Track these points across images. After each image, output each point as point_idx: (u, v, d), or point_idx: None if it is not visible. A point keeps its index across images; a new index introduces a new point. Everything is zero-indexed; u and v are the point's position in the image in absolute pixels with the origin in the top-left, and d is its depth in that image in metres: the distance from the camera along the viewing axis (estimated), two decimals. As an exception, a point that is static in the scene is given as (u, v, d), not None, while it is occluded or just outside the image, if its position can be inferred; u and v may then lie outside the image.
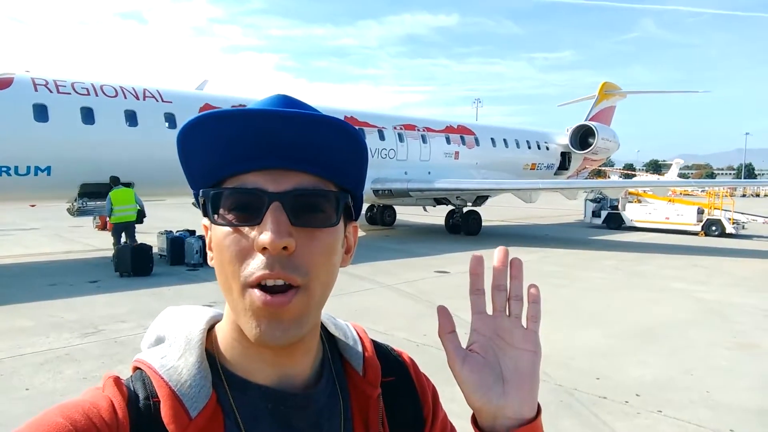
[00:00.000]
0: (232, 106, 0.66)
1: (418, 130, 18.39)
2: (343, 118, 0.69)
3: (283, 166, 0.68)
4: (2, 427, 3.88)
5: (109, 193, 10.74)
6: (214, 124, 0.67)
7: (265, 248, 0.64)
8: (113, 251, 10.54)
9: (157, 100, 12.82)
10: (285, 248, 0.64)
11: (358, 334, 0.87)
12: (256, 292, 0.65)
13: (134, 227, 11.00)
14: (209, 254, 0.73)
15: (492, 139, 20.95)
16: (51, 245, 14.05)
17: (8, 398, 4.52)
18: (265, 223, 0.65)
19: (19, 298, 7.93)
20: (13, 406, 4.34)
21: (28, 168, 10.81)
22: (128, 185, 11.29)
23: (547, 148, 23.69)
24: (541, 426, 0.72)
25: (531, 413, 0.71)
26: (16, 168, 10.67)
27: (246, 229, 0.66)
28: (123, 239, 10.77)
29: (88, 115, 11.52)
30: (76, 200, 11.96)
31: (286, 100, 0.71)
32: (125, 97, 12.30)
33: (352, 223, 0.78)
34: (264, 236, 0.64)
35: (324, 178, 0.70)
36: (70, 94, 11.46)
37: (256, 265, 0.65)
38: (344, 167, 0.71)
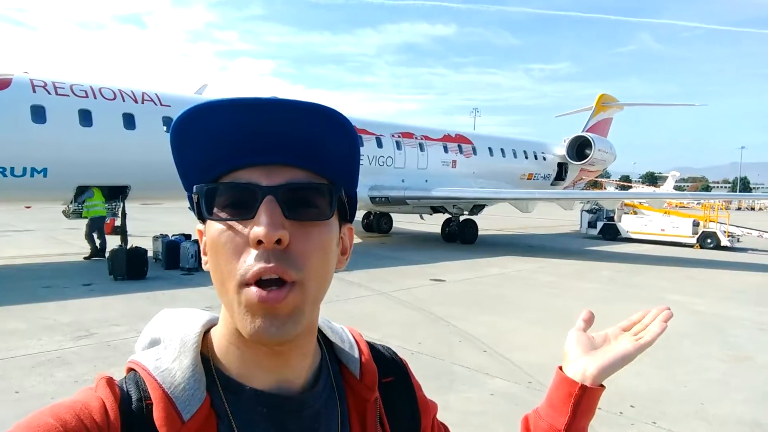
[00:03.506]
0: None
1: (416, 138, 18.42)
2: None
3: (276, 162, 0.68)
4: (-9, 429, 3.82)
5: (93, 188, 11.91)
6: (210, 115, 0.67)
7: (260, 241, 0.64)
8: (108, 253, 10.60)
9: (156, 104, 12.81)
10: (279, 241, 0.64)
11: (354, 338, 0.87)
12: (252, 289, 0.65)
13: (103, 224, 12.62)
14: (204, 258, 0.73)
15: (489, 148, 21.01)
16: (46, 247, 13.98)
17: (-2, 401, 4.47)
18: (258, 217, 0.65)
19: (12, 300, 7.86)
20: (3, 409, 4.29)
21: (24, 169, 10.76)
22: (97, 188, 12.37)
23: (544, 159, 23.78)
24: (598, 396, 0.91)
25: (596, 383, 0.89)
26: (12, 169, 10.63)
27: (240, 226, 0.66)
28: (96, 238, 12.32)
29: (86, 117, 11.50)
30: (71, 202, 11.94)
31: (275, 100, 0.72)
32: (123, 100, 12.28)
33: (347, 224, 0.77)
34: (258, 229, 0.64)
35: (316, 173, 0.70)
36: (68, 96, 11.43)
37: (252, 261, 0.65)
38: (337, 161, 0.72)
